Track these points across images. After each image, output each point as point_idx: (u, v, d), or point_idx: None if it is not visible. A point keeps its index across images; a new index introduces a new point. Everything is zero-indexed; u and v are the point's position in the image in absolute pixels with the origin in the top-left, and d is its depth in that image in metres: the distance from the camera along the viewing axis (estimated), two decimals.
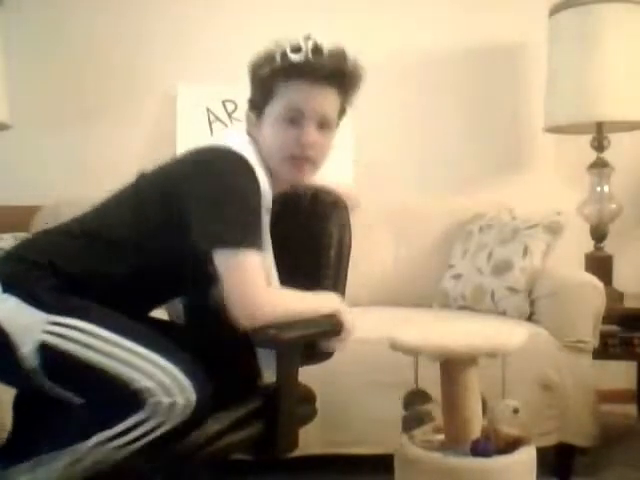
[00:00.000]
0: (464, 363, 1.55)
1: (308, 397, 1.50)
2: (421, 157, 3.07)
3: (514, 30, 3.05)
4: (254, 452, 1.36)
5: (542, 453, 1.63)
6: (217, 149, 1.34)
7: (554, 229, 2.36)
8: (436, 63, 3.07)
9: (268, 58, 1.36)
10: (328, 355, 1.43)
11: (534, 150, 3.12)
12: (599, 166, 2.73)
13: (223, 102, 2.91)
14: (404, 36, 3.04)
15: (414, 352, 1.59)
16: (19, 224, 2.55)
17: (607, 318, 2.25)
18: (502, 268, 2.36)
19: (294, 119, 1.35)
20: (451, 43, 3.07)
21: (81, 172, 2.92)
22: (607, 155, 2.75)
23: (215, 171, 1.30)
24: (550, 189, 3.03)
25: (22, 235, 2.39)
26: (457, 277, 2.51)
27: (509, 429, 1.56)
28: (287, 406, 1.28)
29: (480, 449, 1.51)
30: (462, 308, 2.46)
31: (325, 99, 1.37)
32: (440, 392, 1.59)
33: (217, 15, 2.98)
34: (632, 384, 2.81)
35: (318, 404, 1.54)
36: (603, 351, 2.34)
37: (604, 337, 2.31)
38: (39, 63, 2.95)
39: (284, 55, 1.34)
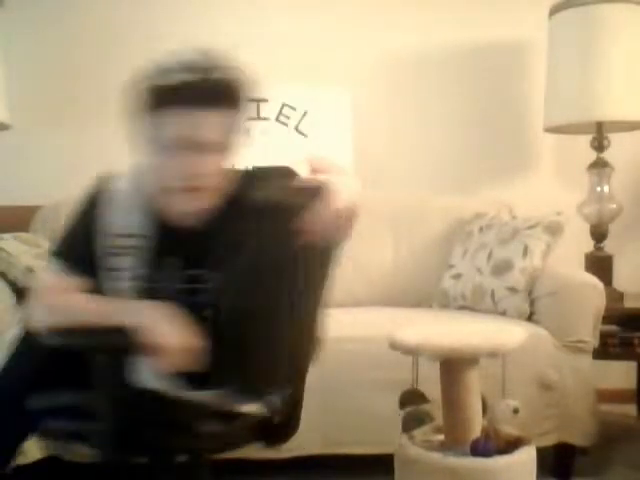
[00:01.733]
0: (464, 363, 1.55)
1: None
2: (421, 157, 3.07)
3: (514, 30, 3.05)
4: None
5: (542, 453, 1.63)
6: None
7: (554, 229, 2.36)
8: (436, 63, 3.07)
9: (140, 83, 1.29)
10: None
11: (534, 150, 3.12)
12: (599, 166, 2.73)
13: None
14: (404, 36, 3.04)
15: (414, 352, 1.59)
16: (19, 224, 2.55)
17: (607, 318, 2.25)
18: (502, 268, 2.36)
19: (169, 148, 1.27)
20: (451, 43, 3.07)
21: (81, 172, 2.88)
22: (607, 155, 2.74)
23: None
24: (550, 189, 3.04)
25: (22, 235, 2.39)
26: (457, 277, 2.51)
27: (509, 429, 1.57)
28: None
29: (480, 449, 1.50)
30: (462, 308, 2.46)
31: (205, 123, 1.26)
32: (440, 392, 1.59)
33: (217, 15, 2.98)
34: (632, 384, 2.80)
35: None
36: (603, 351, 2.33)
37: (604, 337, 2.31)
38: (39, 63, 2.95)
39: (155, 79, 1.27)
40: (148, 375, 1.25)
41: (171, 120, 1.26)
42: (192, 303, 1.29)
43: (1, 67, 2.65)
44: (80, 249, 1.36)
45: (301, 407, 1.44)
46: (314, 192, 1.20)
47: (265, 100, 2.91)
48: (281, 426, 1.37)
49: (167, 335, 1.18)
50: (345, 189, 1.23)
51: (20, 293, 2.07)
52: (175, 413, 1.23)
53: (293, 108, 2.95)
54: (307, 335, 1.36)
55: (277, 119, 2.94)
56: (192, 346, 1.19)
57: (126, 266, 1.35)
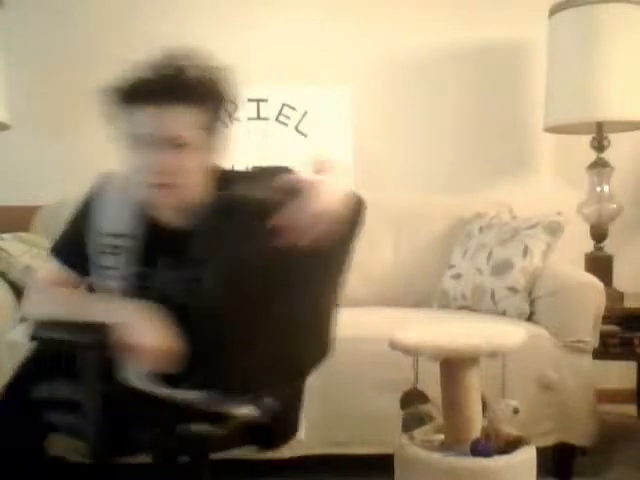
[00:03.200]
0: (464, 363, 1.55)
1: None
2: (421, 157, 3.07)
3: (514, 30, 3.05)
4: None
5: (542, 453, 1.63)
6: None
7: (554, 229, 2.36)
8: (436, 63, 3.07)
9: (115, 82, 1.34)
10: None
11: (534, 150, 3.12)
12: (599, 166, 2.73)
13: None
14: (404, 36, 3.04)
15: (414, 352, 1.59)
16: (19, 224, 2.55)
17: (607, 318, 2.25)
18: (502, 268, 2.36)
19: (141, 145, 1.29)
20: (451, 43, 3.07)
21: (81, 172, 2.89)
22: (607, 155, 2.74)
23: None
24: (550, 189, 3.04)
25: (22, 235, 2.39)
26: (457, 277, 2.51)
27: (509, 429, 1.57)
28: None
29: (480, 449, 1.50)
30: (462, 308, 2.46)
31: (170, 119, 1.28)
32: (440, 392, 1.59)
33: (217, 15, 2.97)
34: (632, 384, 2.80)
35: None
36: (603, 351, 2.33)
37: (604, 337, 2.31)
38: (39, 63, 2.95)
39: (122, 79, 1.32)
40: (132, 373, 1.26)
41: (139, 117, 1.28)
42: (172, 302, 1.29)
43: (1, 67, 2.65)
44: (76, 247, 1.41)
45: (299, 411, 1.42)
46: (294, 192, 1.16)
47: (265, 100, 2.92)
48: (276, 430, 1.36)
49: (142, 335, 1.20)
50: (330, 191, 1.18)
51: (20, 293, 2.07)
52: (159, 412, 1.23)
53: (293, 108, 2.95)
54: (310, 337, 1.32)
55: (277, 119, 2.94)
56: (167, 347, 1.20)
57: (116, 265, 1.37)
